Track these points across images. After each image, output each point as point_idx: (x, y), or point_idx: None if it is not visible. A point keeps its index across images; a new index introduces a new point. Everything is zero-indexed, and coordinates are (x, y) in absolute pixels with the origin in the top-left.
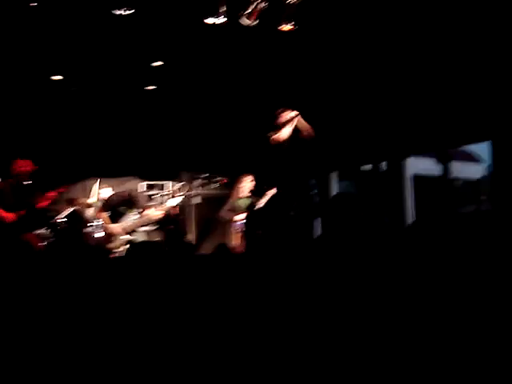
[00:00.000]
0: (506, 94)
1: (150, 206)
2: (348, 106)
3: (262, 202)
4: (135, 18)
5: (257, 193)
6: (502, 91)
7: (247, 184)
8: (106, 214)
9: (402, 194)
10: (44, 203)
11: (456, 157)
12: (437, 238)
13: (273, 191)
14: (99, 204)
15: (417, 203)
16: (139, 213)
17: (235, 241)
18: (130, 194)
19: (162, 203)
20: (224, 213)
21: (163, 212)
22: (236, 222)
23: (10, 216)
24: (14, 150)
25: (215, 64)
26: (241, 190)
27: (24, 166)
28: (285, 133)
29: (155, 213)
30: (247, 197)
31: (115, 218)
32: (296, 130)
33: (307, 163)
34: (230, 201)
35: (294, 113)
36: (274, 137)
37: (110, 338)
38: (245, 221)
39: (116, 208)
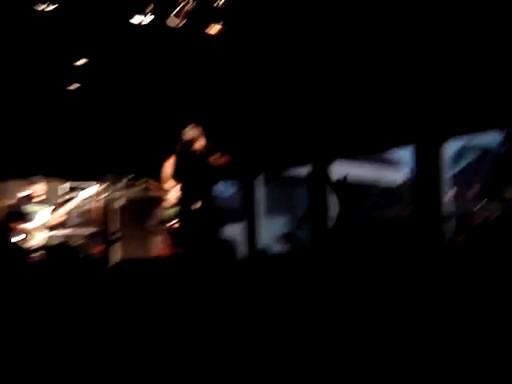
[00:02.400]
0: (428, 99)
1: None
2: (274, 109)
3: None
4: (59, 15)
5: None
6: (424, 96)
7: (174, 192)
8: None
9: (325, 199)
10: None
11: (377, 161)
12: (357, 241)
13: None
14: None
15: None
16: (54, 209)
17: (162, 251)
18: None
19: (83, 206)
20: (151, 226)
21: (76, 203)
22: (164, 233)
23: None
24: None
25: (141, 64)
26: (167, 199)
27: None
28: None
29: (63, 209)
30: (174, 205)
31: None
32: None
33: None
34: (157, 212)
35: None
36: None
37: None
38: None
39: (22, 209)
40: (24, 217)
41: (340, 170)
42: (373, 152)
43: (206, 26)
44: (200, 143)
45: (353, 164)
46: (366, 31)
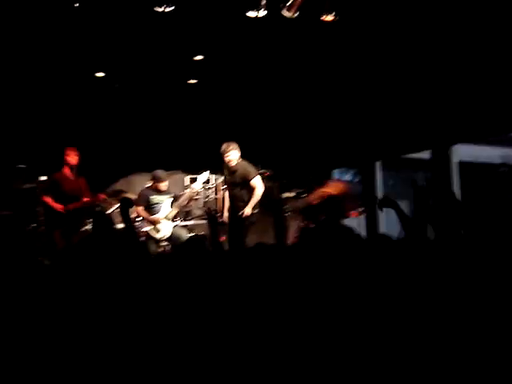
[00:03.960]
0: None
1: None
2: (392, 93)
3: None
4: (176, 14)
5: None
6: None
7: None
8: (141, 208)
9: (449, 181)
10: (90, 200)
11: (504, 142)
12: (486, 224)
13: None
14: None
15: (463, 190)
16: (174, 200)
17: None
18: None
19: (207, 196)
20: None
21: (191, 193)
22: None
23: (58, 207)
24: (59, 146)
25: (258, 57)
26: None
27: (72, 155)
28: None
29: (183, 200)
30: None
31: (150, 209)
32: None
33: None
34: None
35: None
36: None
37: (153, 337)
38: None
39: (148, 200)
40: (150, 208)
41: (464, 151)
42: (496, 134)
43: (321, 15)
44: None
45: (478, 145)
46: None
